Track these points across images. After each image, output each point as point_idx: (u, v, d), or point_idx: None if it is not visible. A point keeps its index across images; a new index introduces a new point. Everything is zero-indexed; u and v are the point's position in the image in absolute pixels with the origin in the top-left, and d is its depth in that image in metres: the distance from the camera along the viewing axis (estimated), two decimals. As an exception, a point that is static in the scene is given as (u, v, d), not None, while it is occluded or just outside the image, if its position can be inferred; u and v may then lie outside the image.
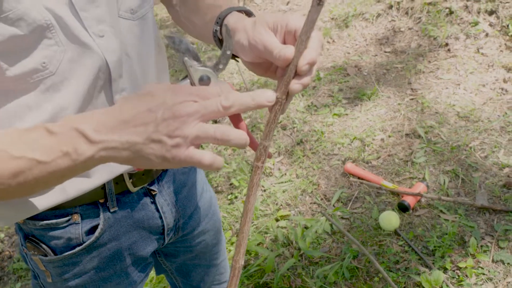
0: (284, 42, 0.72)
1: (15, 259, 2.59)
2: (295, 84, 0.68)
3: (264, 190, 2.58)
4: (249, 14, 0.85)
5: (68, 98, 0.79)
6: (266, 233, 2.34)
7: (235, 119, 0.77)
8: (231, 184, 2.68)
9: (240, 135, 0.63)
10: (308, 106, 3.06)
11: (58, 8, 0.73)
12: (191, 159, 0.62)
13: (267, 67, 0.77)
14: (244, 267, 2.21)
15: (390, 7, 3.71)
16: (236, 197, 2.59)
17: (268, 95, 0.65)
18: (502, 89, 2.83)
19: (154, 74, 0.96)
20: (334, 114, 2.93)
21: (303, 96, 3.17)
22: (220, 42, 0.87)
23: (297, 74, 0.69)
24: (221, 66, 0.73)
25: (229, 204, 2.57)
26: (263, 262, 2.17)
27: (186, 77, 0.75)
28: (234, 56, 0.87)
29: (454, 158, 2.47)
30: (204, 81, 0.72)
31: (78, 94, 0.79)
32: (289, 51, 0.67)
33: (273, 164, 2.72)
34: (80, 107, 0.80)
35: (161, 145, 0.61)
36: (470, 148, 2.49)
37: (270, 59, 0.71)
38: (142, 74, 0.90)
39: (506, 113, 2.65)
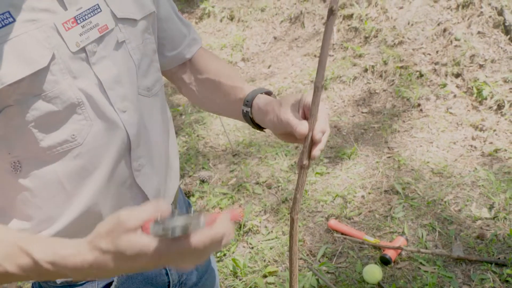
0: (305, 114, 0.90)
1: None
2: (315, 151, 0.86)
3: (252, 248, 2.67)
4: (269, 93, 1.03)
5: (93, 163, 0.89)
6: (255, 289, 2.41)
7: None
8: (220, 242, 2.76)
9: (228, 232, 0.65)
10: (292, 165, 3.21)
11: (89, 88, 0.85)
12: (209, 254, 0.68)
13: (295, 137, 0.92)
14: (235, 323, 2.27)
15: (366, 70, 3.94)
16: (224, 255, 2.67)
17: (231, 232, 0.66)
18: (471, 146, 3.03)
19: (166, 140, 1.09)
20: (317, 173, 3.07)
21: (286, 156, 3.33)
22: (252, 121, 1.03)
23: (314, 142, 0.86)
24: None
25: (218, 261, 2.64)
26: (253, 318, 2.24)
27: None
28: (260, 128, 1.04)
29: (431, 212, 2.61)
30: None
31: (103, 160, 0.90)
32: (303, 127, 0.85)
33: (260, 222, 2.82)
34: (107, 172, 0.91)
35: (190, 264, 0.67)
36: (445, 202, 2.65)
37: (293, 132, 0.88)
38: (156, 142, 1.02)
39: (476, 169, 2.83)
